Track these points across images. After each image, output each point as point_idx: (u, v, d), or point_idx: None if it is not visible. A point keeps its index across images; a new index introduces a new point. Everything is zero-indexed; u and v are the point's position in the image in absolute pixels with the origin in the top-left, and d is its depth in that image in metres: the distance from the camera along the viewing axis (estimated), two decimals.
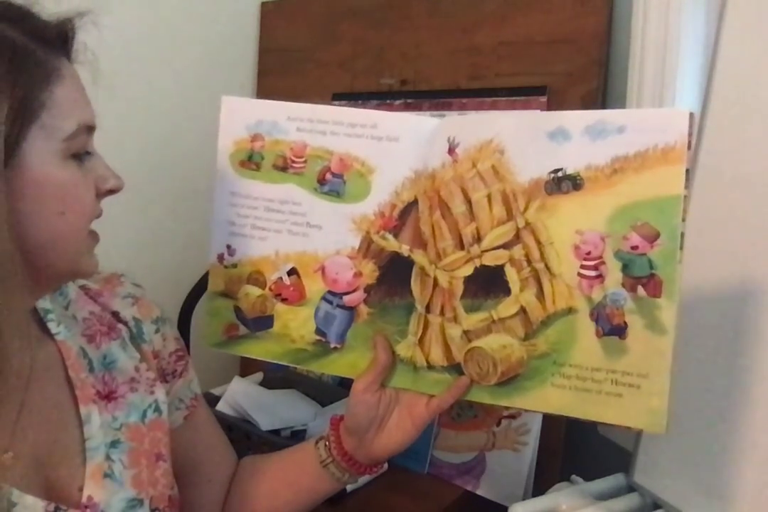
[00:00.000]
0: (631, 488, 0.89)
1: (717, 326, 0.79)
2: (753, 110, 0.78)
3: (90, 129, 0.60)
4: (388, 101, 1.27)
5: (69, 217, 0.58)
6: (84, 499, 0.62)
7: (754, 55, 0.78)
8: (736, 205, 0.79)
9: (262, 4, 1.49)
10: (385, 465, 1.01)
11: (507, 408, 0.88)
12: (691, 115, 0.59)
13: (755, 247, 0.76)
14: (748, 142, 0.78)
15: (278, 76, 1.47)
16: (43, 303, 0.67)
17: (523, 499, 0.98)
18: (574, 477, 0.96)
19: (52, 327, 0.67)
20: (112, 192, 0.63)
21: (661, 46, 1.03)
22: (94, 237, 0.64)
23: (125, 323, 0.73)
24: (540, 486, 1.03)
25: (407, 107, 1.24)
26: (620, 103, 1.09)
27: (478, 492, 1.08)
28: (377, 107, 1.27)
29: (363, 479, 1.02)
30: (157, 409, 0.71)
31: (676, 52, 1.02)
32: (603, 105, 1.10)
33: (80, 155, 0.59)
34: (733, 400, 0.77)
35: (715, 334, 0.79)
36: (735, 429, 0.77)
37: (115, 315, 0.72)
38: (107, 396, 0.68)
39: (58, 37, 0.59)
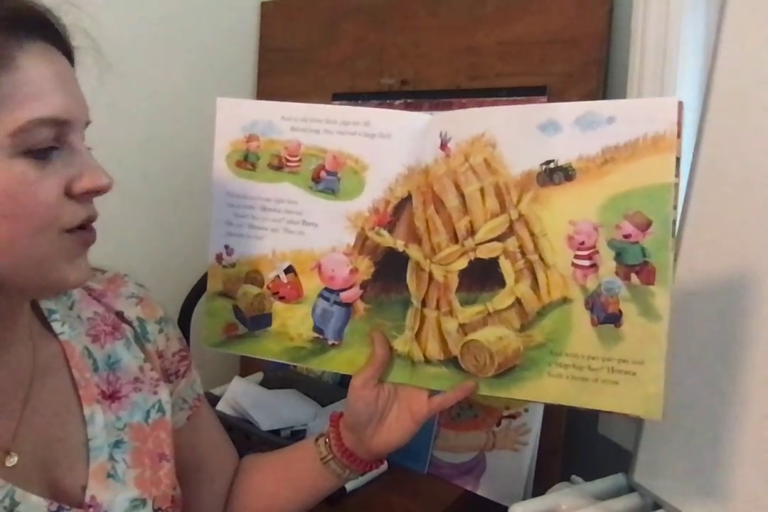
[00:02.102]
0: (631, 488, 0.89)
1: (716, 324, 0.79)
2: (753, 108, 0.78)
3: (58, 122, 0.53)
4: (388, 101, 1.27)
5: (18, 221, 0.52)
6: (87, 499, 0.62)
7: (754, 54, 0.78)
8: (735, 199, 0.79)
9: (262, 4, 1.50)
10: (385, 465, 1.01)
11: (505, 400, 0.88)
12: (680, 103, 0.59)
13: (753, 240, 0.76)
14: (747, 138, 0.78)
15: (278, 76, 1.47)
16: (47, 304, 0.67)
17: (523, 499, 0.97)
18: (574, 477, 0.95)
19: (56, 326, 0.67)
20: (97, 192, 0.57)
21: (661, 46, 1.03)
22: (75, 241, 0.57)
23: (129, 323, 0.72)
24: (540, 486, 1.02)
25: (407, 107, 1.24)
26: None
27: (478, 492, 1.08)
28: (377, 107, 1.27)
29: (363, 478, 1.02)
30: (161, 409, 0.71)
31: (676, 52, 1.02)
32: None
33: (42, 151, 0.53)
34: (733, 399, 0.77)
35: (715, 332, 0.79)
36: (735, 428, 0.76)
37: (119, 315, 0.72)
38: (111, 396, 0.68)
39: (21, 20, 0.52)
